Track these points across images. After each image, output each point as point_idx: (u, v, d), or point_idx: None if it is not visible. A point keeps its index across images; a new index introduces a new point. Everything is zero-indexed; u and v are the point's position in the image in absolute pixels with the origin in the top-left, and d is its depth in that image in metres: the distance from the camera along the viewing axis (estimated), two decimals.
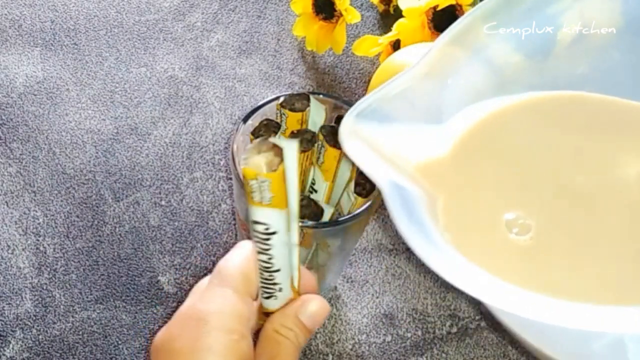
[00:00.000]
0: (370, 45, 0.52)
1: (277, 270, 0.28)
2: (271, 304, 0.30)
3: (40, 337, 0.42)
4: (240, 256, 0.29)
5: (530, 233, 0.31)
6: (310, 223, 0.35)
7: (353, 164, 0.39)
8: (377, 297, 0.44)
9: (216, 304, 0.28)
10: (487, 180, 0.34)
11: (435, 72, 0.34)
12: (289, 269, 0.29)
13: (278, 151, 0.25)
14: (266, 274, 0.29)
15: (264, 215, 0.26)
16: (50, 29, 0.56)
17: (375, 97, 0.32)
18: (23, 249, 0.45)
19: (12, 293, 0.43)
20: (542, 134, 0.36)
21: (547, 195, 0.33)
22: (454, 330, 0.43)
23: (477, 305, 0.44)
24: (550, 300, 0.26)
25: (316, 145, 0.38)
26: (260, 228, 0.27)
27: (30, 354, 0.41)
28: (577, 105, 0.37)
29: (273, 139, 0.25)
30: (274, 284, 0.29)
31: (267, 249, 0.28)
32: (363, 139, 0.31)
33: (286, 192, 0.26)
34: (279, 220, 0.27)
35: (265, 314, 0.31)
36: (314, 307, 0.30)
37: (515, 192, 0.33)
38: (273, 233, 0.27)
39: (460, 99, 0.35)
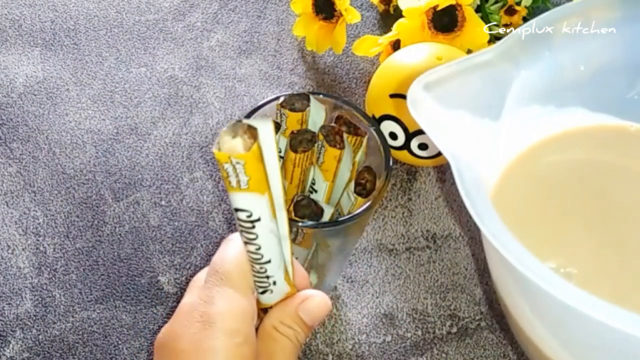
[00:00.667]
0: (370, 45, 0.52)
1: (268, 262, 0.27)
2: (267, 299, 0.29)
3: (40, 337, 0.42)
4: (234, 250, 0.29)
5: (570, 283, 0.30)
6: (310, 223, 0.35)
7: (353, 164, 0.39)
8: (377, 297, 0.44)
9: (219, 305, 0.28)
10: (531, 222, 0.32)
11: (505, 60, 0.33)
12: (280, 260, 0.28)
13: (254, 133, 0.24)
14: (257, 266, 0.28)
15: (244, 200, 0.25)
16: (50, 29, 0.56)
17: (447, 70, 0.31)
18: (23, 249, 0.45)
19: (12, 293, 0.43)
20: (589, 170, 0.34)
21: (592, 242, 0.31)
22: (454, 330, 0.43)
23: (479, 305, 0.44)
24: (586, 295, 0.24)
25: (316, 145, 0.38)
26: (242, 215, 0.25)
27: (30, 354, 0.41)
28: (620, 138, 0.35)
29: (246, 120, 0.24)
30: (267, 276, 0.28)
31: (253, 239, 0.26)
32: (427, 109, 0.30)
33: (265, 175, 0.25)
34: (260, 206, 0.25)
35: (263, 310, 0.30)
36: (315, 303, 0.30)
37: (559, 238, 0.32)
38: (257, 220, 0.25)
39: (519, 97, 0.34)
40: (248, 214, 0.25)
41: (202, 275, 0.30)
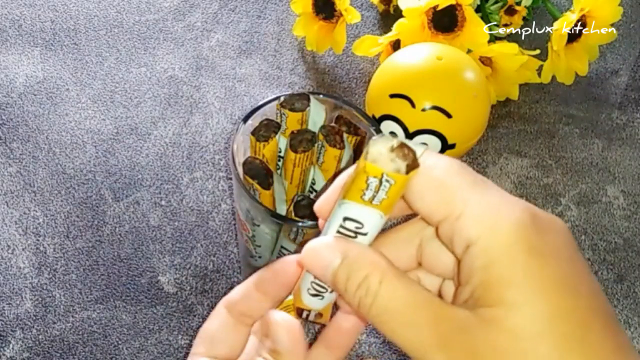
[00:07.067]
0: (370, 45, 0.52)
1: None
2: (315, 303, 0.27)
3: (40, 337, 0.42)
4: (288, 322, 0.26)
5: None
6: (310, 223, 0.35)
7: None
8: None
9: None
10: None
11: None
12: None
13: (406, 154, 0.22)
14: None
15: (365, 214, 0.23)
16: (50, 29, 0.56)
17: None
18: (23, 249, 0.45)
19: (12, 293, 0.43)
20: None
21: None
22: None
23: None
24: None
25: (316, 145, 0.38)
26: (351, 225, 0.24)
27: (30, 354, 0.41)
28: None
29: (402, 139, 0.22)
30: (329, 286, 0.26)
31: None
32: None
33: (397, 198, 0.23)
34: (376, 225, 0.24)
35: (299, 312, 0.28)
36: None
37: None
38: (363, 234, 0.24)
39: None
40: (359, 226, 0.24)
41: (210, 326, 0.28)
